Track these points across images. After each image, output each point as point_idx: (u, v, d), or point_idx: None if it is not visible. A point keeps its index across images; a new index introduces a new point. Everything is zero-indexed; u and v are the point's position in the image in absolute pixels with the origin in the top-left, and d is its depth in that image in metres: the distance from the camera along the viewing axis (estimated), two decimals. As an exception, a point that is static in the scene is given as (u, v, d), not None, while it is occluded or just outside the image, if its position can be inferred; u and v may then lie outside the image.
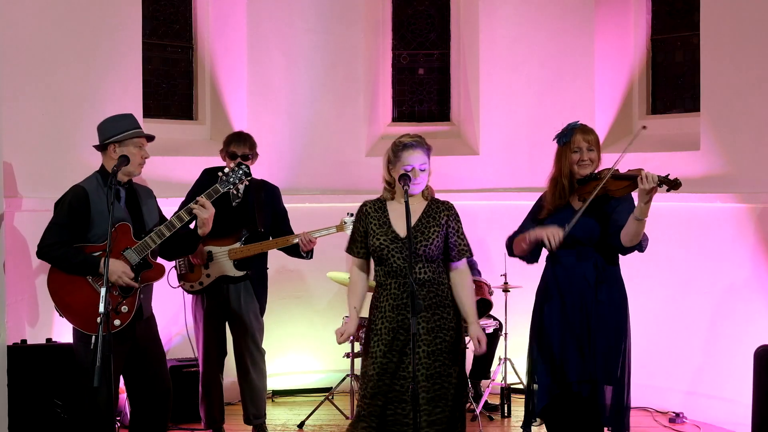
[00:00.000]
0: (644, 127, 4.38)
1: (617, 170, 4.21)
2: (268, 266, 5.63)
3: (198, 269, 5.41)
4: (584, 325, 4.23)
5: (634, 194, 4.14)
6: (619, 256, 4.33)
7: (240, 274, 5.41)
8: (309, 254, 5.46)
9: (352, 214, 5.30)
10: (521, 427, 4.48)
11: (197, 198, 4.50)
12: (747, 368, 5.23)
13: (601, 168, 4.31)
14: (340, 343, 4.20)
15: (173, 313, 6.35)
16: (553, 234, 4.15)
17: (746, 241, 5.93)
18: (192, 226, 4.76)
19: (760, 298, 5.81)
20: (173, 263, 5.47)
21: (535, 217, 4.40)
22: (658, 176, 4.00)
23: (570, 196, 4.31)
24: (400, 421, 4.05)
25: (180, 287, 5.51)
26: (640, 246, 4.20)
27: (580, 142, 4.28)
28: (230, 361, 5.60)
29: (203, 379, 5.52)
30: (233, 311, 5.45)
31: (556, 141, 4.36)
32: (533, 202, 4.52)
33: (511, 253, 4.47)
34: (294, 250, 5.45)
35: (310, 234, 5.36)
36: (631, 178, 4.10)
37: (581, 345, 4.22)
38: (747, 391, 5.22)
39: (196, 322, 5.50)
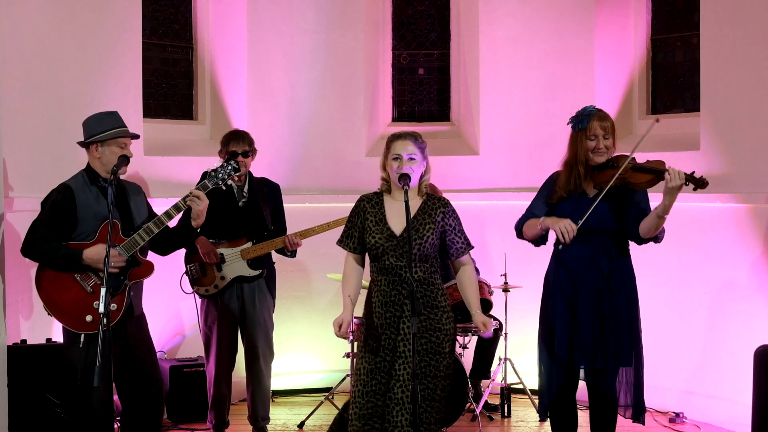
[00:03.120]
0: (657, 120, 4.36)
1: (634, 159, 4.17)
2: (274, 261, 5.64)
3: (211, 273, 5.39)
4: (597, 315, 4.23)
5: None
6: (630, 245, 4.33)
7: (255, 273, 5.40)
8: (293, 253, 5.49)
9: None
10: (538, 412, 4.50)
11: (191, 190, 4.48)
12: (747, 368, 5.23)
13: (615, 154, 4.29)
14: (339, 335, 4.13)
15: (173, 314, 6.37)
16: (567, 229, 4.12)
17: (746, 241, 5.93)
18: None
19: (759, 298, 5.81)
20: (185, 269, 5.47)
21: (547, 200, 4.36)
22: (685, 174, 3.98)
23: (585, 182, 4.29)
24: (384, 418, 4.05)
25: (194, 293, 5.48)
26: (657, 238, 4.20)
27: (596, 129, 4.23)
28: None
29: (215, 382, 5.47)
30: (248, 311, 5.43)
31: (570, 125, 4.31)
32: (535, 195, 4.49)
33: (519, 235, 4.46)
34: (280, 248, 5.47)
35: (312, 229, 5.41)
36: (655, 172, 4.05)
37: (594, 333, 4.23)
38: (747, 391, 5.22)
39: (207, 324, 5.46)
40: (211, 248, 5.34)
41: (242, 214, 5.45)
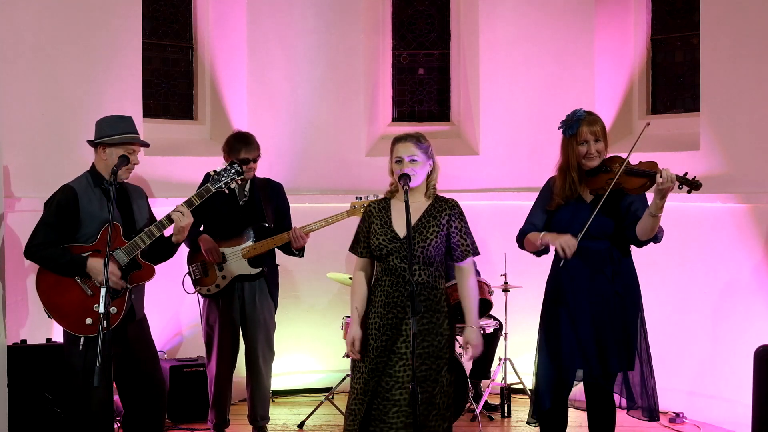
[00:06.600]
0: (648, 124, 4.35)
1: (629, 162, 4.16)
2: (277, 263, 5.62)
3: (213, 272, 5.39)
4: (603, 318, 4.21)
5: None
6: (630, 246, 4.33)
7: (256, 271, 5.40)
8: (300, 252, 5.46)
9: (360, 198, 5.31)
10: (533, 416, 4.48)
11: (177, 205, 4.46)
12: (747, 368, 5.24)
13: (609, 155, 4.28)
14: (353, 354, 4.14)
15: (173, 314, 6.37)
16: (567, 245, 4.10)
17: (746, 241, 5.93)
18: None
19: (760, 298, 5.81)
20: (187, 270, 5.47)
21: (544, 207, 4.34)
22: (677, 176, 3.97)
23: (580, 187, 4.27)
24: (380, 418, 4.06)
25: (196, 293, 5.49)
26: (656, 238, 4.19)
27: (586, 135, 4.20)
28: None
29: (217, 382, 5.47)
30: (249, 311, 5.43)
31: (561, 130, 4.28)
32: (533, 202, 4.49)
33: (521, 246, 4.46)
34: (287, 247, 5.45)
35: (309, 226, 5.37)
36: (648, 175, 4.03)
37: (600, 336, 4.20)
38: (747, 391, 5.22)
39: (209, 324, 5.46)
40: (214, 246, 5.33)
41: (243, 213, 5.45)
